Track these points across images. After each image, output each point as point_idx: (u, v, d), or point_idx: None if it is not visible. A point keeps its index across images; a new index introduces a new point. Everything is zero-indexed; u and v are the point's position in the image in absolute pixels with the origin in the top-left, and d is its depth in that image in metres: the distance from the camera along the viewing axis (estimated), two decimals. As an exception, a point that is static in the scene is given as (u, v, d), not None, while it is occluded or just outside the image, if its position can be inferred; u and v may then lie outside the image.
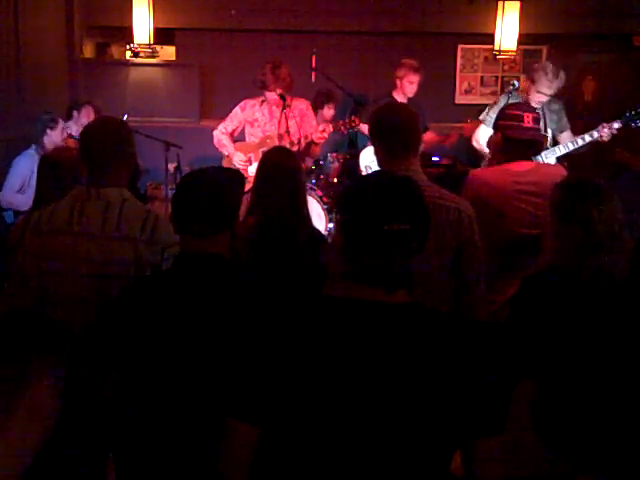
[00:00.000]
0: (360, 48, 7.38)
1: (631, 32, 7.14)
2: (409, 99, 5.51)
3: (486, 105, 4.88)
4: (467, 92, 7.65)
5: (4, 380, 1.50)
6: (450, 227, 2.40)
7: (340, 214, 1.58)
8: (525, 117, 2.94)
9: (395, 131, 2.49)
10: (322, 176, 5.83)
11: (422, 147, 5.31)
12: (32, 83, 5.92)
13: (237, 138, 5.15)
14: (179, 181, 2.06)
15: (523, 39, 6.83)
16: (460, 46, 7.54)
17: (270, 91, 4.74)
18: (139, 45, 6.88)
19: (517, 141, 2.94)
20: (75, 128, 5.10)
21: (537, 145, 3.09)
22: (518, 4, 6.64)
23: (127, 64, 7.65)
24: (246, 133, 5.05)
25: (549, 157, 4.15)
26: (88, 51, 7.74)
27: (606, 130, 4.13)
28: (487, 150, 3.60)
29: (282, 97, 4.71)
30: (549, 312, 2.16)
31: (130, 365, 1.96)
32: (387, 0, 7.23)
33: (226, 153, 5.03)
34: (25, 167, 4.57)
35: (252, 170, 4.78)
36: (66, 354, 1.93)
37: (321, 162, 5.88)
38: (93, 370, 2.08)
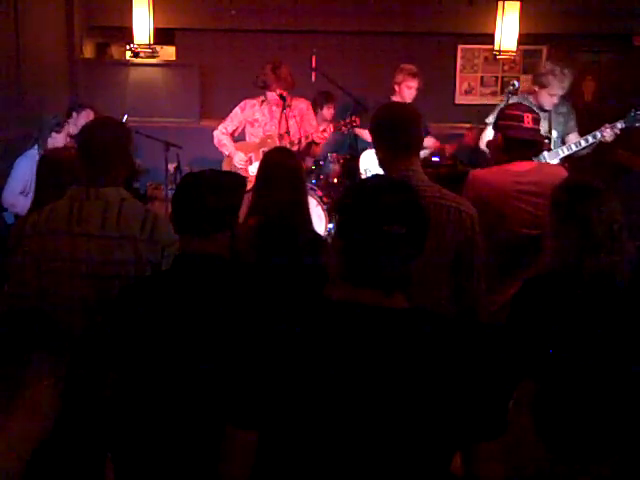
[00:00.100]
0: (360, 48, 7.37)
1: (631, 32, 7.13)
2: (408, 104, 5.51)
3: (486, 105, 4.89)
4: (467, 92, 7.65)
5: (4, 380, 1.50)
6: (451, 227, 2.39)
7: (338, 216, 1.58)
8: (525, 117, 2.94)
9: (396, 131, 2.49)
10: (322, 176, 5.83)
11: (426, 153, 5.33)
12: (32, 83, 5.91)
13: (237, 138, 5.15)
14: (179, 181, 2.06)
15: (523, 39, 6.82)
16: (460, 46, 7.54)
17: (271, 91, 4.74)
18: (139, 45, 6.88)
19: (517, 141, 2.94)
20: (73, 128, 5.09)
21: (537, 145, 3.09)
22: (518, 4, 6.63)
23: (127, 64, 7.65)
24: (246, 133, 5.05)
25: (552, 158, 4.16)
26: (88, 51, 7.74)
27: (608, 131, 4.13)
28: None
29: (282, 97, 4.71)
30: (549, 313, 2.16)
31: (129, 365, 1.96)
32: (387, 0, 7.23)
33: (226, 153, 5.03)
34: (27, 168, 4.56)
35: (252, 170, 4.79)
36: (66, 354, 1.93)
37: (321, 162, 5.88)
38: (93, 370, 2.08)
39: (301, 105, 4.97)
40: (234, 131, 5.05)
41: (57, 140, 4.66)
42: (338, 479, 1.47)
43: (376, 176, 1.65)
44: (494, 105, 5.21)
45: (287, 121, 4.78)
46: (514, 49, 6.77)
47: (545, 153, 4.20)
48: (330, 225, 5.10)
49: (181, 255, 2.00)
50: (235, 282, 1.96)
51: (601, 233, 2.13)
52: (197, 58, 7.41)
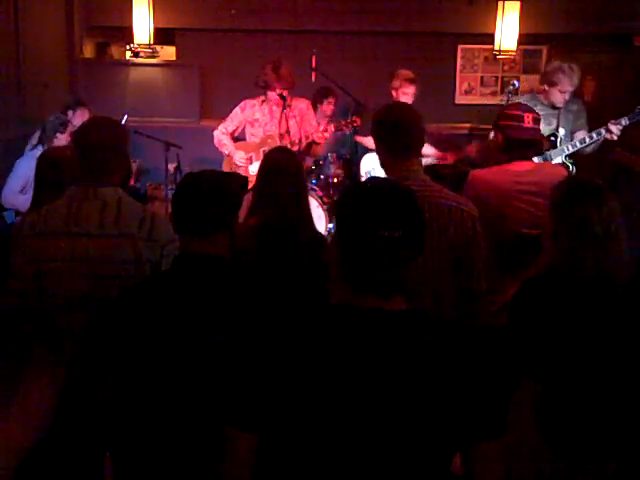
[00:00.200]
0: (360, 48, 7.37)
1: (631, 32, 7.13)
2: None
3: (486, 105, 4.88)
4: (467, 92, 7.64)
5: (1, 378, 1.50)
6: (453, 227, 2.39)
7: (335, 219, 1.59)
8: (525, 117, 2.94)
9: (396, 132, 2.49)
10: (322, 176, 5.83)
11: (428, 161, 5.31)
12: (32, 83, 5.92)
13: (237, 138, 5.15)
14: (179, 181, 2.06)
15: (523, 39, 6.83)
16: (460, 46, 7.54)
17: (272, 91, 4.74)
18: (139, 45, 6.88)
19: (517, 141, 2.94)
20: (70, 127, 5.09)
21: (537, 145, 3.09)
22: (518, 4, 6.64)
23: (127, 64, 7.65)
24: (247, 133, 5.05)
25: (557, 156, 4.16)
26: (88, 51, 7.74)
27: (613, 127, 4.12)
28: None
29: (282, 97, 4.71)
30: (548, 314, 2.16)
31: (129, 366, 1.96)
32: (387, 0, 7.23)
33: (226, 152, 5.02)
34: (28, 168, 4.56)
35: (253, 169, 4.79)
36: (65, 353, 1.93)
37: (321, 162, 5.88)
38: (92, 370, 2.07)
39: (301, 105, 4.97)
40: (234, 131, 5.04)
41: (61, 141, 4.66)
42: (339, 479, 1.47)
43: (373, 178, 1.65)
44: (494, 105, 5.21)
45: (287, 121, 4.78)
46: (514, 49, 6.77)
47: (551, 151, 4.20)
48: (330, 225, 5.10)
49: (181, 255, 2.00)
50: (235, 283, 1.96)
51: (600, 233, 2.13)
52: (197, 58, 7.41)
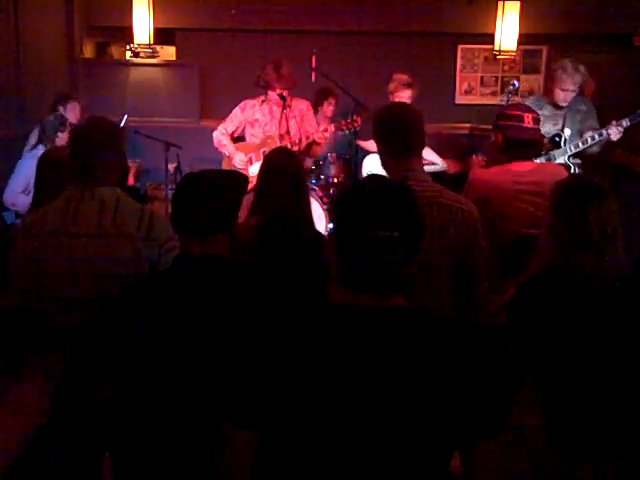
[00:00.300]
0: (360, 48, 7.38)
1: (631, 32, 7.13)
2: None
3: (486, 105, 4.88)
4: (467, 92, 7.65)
5: None
6: (454, 227, 2.39)
7: (332, 219, 1.59)
8: (525, 117, 2.94)
9: (396, 132, 2.49)
10: (322, 176, 5.84)
11: (430, 169, 5.30)
12: (32, 83, 5.92)
13: (237, 139, 5.15)
14: (179, 181, 2.06)
15: (523, 39, 6.83)
16: (460, 46, 7.54)
17: (273, 90, 4.74)
18: (139, 45, 6.88)
19: (517, 141, 2.94)
20: None
21: (537, 145, 3.09)
22: (518, 4, 6.64)
23: (127, 64, 7.66)
24: (246, 133, 5.05)
25: (560, 156, 4.16)
26: (88, 51, 7.74)
27: (613, 129, 4.12)
28: None
29: (282, 97, 4.71)
30: (545, 315, 2.16)
31: (129, 366, 1.96)
32: (387, 0, 7.23)
33: (226, 153, 5.02)
34: (30, 168, 4.56)
35: (253, 170, 4.78)
36: (63, 354, 1.93)
37: (321, 162, 5.88)
38: (92, 369, 2.07)
39: (301, 106, 4.97)
40: (234, 132, 5.04)
41: (62, 140, 4.66)
42: (338, 476, 1.47)
43: (372, 176, 1.64)
44: (494, 105, 5.21)
45: (287, 121, 4.78)
46: (514, 49, 6.78)
47: (555, 151, 4.20)
48: (330, 225, 5.08)
49: (181, 256, 2.00)
50: (235, 283, 1.96)
51: (595, 232, 2.13)
52: (197, 58, 7.41)
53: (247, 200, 2.51)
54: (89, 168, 2.37)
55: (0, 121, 5.47)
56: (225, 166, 5.03)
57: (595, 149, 4.28)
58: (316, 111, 5.78)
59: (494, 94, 7.53)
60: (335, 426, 1.45)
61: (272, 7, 7.15)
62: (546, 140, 4.23)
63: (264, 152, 4.74)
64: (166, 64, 7.72)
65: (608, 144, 4.28)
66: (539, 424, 2.18)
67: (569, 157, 4.21)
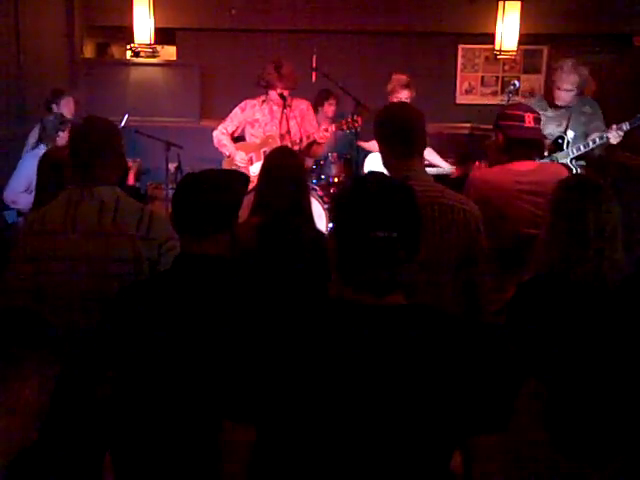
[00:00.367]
0: (361, 48, 7.38)
1: (631, 32, 7.13)
2: None
3: (486, 105, 4.88)
4: (468, 92, 7.65)
5: None
6: (455, 227, 2.39)
7: (332, 218, 1.58)
8: (526, 117, 2.94)
9: (397, 132, 2.49)
10: (323, 176, 5.84)
11: (433, 171, 5.29)
12: (33, 83, 5.92)
13: (237, 138, 5.15)
14: (179, 181, 2.07)
15: (524, 39, 6.83)
16: (461, 46, 7.54)
17: (274, 90, 4.74)
18: (139, 45, 6.89)
19: (518, 141, 2.94)
20: None
21: (538, 145, 3.09)
22: (519, 4, 6.64)
23: (128, 64, 7.66)
24: (246, 133, 5.05)
25: (563, 158, 4.16)
26: (88, 51, 7.74)
27: (613, 132, 4.12)
28: None
29: (282, 97, 4.71)
30: (544, 316, 2.16)
31: (129, 364, 1.96)
32: (388, 0, 7.23)
33: (227, 153, 5.02)
34: (32, 167, 4.57)
35: (253, 170, 4.78)
36: (59, 353, 1.92)
37: (322, 162, 5.88)
38: (93, 369, 2.08)
39: (302, 106, 4.97)
40: (234, 132, 5.04)
41: (63, 139, 4.67)
42: (337, 474, 1.47)
43: (371, 174, 1.63)
44: (495, 105, 5.20)
45: (288, 121, 4.78)
46: (515, 49, 6.78)
47: (557, 153, 4.20)
48: (331, 224, 5.08)
49: (181, 255, 2.00)
50: (235, 282, 1.96)
51: (593, 231, 2.13)
52: (198, 58, 7.41)
53: (248, 200, 2.52)
54: (89, 168, 2.37)
55: (1, 120, 5.47)
56: (226, 166, 5.03)
57: (596, 152, 4.27)
58: (317, 112, 5.78)
59: (494, 94, 7.53)
60: (334, 422, 1.45)
61: (273, 7, 7.16)
62: (549, 142, 4.23)
63: (265, 152, 4.74)
64: (166, 64, 7.72)
65: (609, 147, 4.28)
66: (540, 424, 2.18)
67: (571, 160, 4.21)
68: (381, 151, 2.57)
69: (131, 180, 5.24)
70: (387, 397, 1.44)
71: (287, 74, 4.69)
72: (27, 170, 4.48)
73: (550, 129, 4.24)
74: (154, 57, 8.05)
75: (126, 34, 7.11)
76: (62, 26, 6.84)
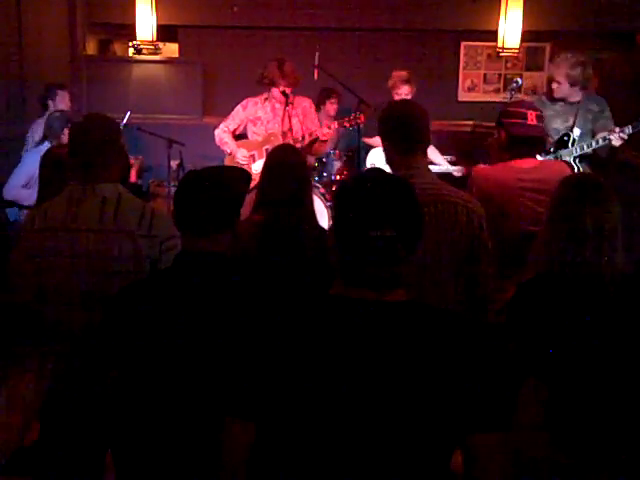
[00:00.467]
0: (362, 45, 7.37)
1: (634, 30, 7.13)
2: None
3: (489, 102, 4.87)
4: (470, 89, 7.64)
5: None
6: (459, 224, 2.39)
7: (332, 215, 1.58)
8: (529, 115, 2.94)
9: (400, 129, 2.48)
10: (325, 173, 5.84)
11: (436, 169, 5.28)
12: (35, 80, 5.92)
13: (238, 136, 5.15)
14: (181, 178, 2.06)
15: (526, 36, 6.82)
16: (463, 43, 7.54)
17: (277, 87, 4.74)
18: (142, 42, 6.89)
19: (521, 138, 2.93)
20: None
21: (541, 142, 3.09)
22: (521, 1, 6.64)
23: (130, 61, 7.66)
24: (248, 131, 5.05)
25: (566, 157, 4.15)
26: (91, 48, 7.75)
27: (616, 135, 4.11)
28: None
29: (284, 94, 4.71)
30: (544, 315, 2.16)
31: (130, 362, 1.96)
32: (390, -3, 7.23)
33: (228, 151, 5.02)
34: (33, 163, 4.57)
35: (255, 168, 4.78)
36: (60, 350, 1.93)
37: (324, 159, 5.88)
38: (94, 367, 2.08)
39: (304, 103, 4.97)
40: (235, 129, 5.04)
41: (67, 136, 4.67)
42: (337, 471, 1.47)
43: (372, 171, 1.62)
44: (497, 102, 5.19)
45: (290, 119, 4.78)
46: (517, 46, 6.78)
47: (562, 151, 4.19)
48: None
49: (183, 253, 2.00)
50: (237, 280, 1.96)
51: (592, 231, 2.12)
52: (200, 55, 7.42)
53: (250, 197, 2.52)
54: (90, 165, 2.37)
55: (3, 118, 5.47)
56: (228, 163, 5.04)
57: (599, 152, 4.26)
58: (319, 110, 5.78)
59: (497, 91, 7.52)
60: (334, 418, 1.45)
61: (274, 4, 7.15)
62: (553, 138, 4.22)
63: (267, 149, 4.75)
64: (169, 61, 7.72)
65: (612, 148, 4.26)
66: (540, 424, 2.18)
67: (574, 158, 4.20)
68: (384, 148, 2.57)
69: (133, 177, 5.25)
70: (387, 393, 1.44)
71: (289, 72, 4.69)
72: (28, 166, 4.49)
73: (557, 124, 4.23)
74: (156, 54, 8.04)
75: (128, 31, 7.11)
76: (64, 23, 6.84)
